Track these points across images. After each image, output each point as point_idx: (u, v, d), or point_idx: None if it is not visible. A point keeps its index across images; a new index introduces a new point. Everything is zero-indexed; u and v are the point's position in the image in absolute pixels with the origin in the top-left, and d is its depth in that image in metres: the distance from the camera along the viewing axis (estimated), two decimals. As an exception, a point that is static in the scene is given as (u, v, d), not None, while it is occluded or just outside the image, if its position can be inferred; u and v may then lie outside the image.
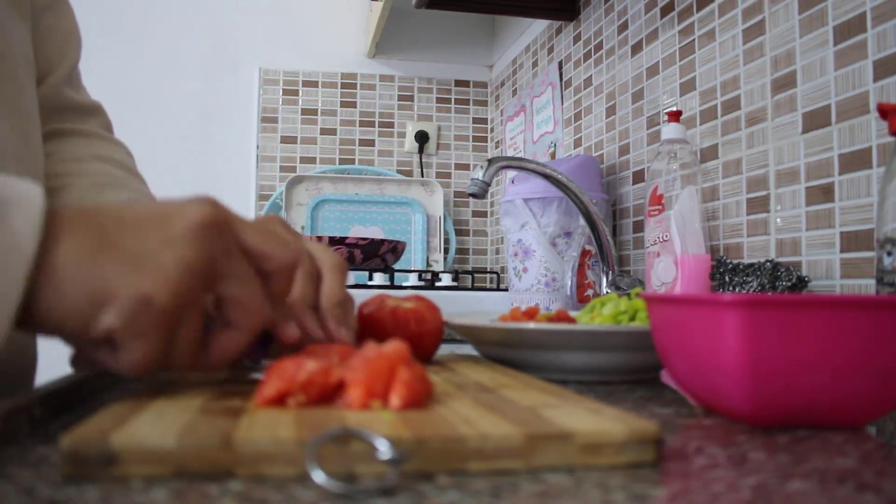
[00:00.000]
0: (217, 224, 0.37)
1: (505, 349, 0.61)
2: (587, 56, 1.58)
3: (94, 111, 0.75)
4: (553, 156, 1.74)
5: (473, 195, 1.10)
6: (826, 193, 0.86)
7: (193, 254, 0.36)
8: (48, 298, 0.34)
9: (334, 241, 1.64)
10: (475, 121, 2.29)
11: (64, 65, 0.70)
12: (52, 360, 0.70)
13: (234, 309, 0.39)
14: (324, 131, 2.20)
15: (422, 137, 2.23)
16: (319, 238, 1.64)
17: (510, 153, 2.03)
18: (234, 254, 0.38)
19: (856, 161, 0.82)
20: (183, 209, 0.37)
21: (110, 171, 0.68)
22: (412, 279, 1.74)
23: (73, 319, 0.35)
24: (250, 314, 0.39)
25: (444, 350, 0.65)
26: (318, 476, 0.26)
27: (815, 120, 0.88)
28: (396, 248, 1.71)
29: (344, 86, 2.22)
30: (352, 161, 2.21)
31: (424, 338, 0.55)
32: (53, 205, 0.36)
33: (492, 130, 2.27)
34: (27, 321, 0.35)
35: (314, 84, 2.20)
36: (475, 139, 2.29)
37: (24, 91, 0.59)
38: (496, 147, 2.21)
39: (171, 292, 0.35)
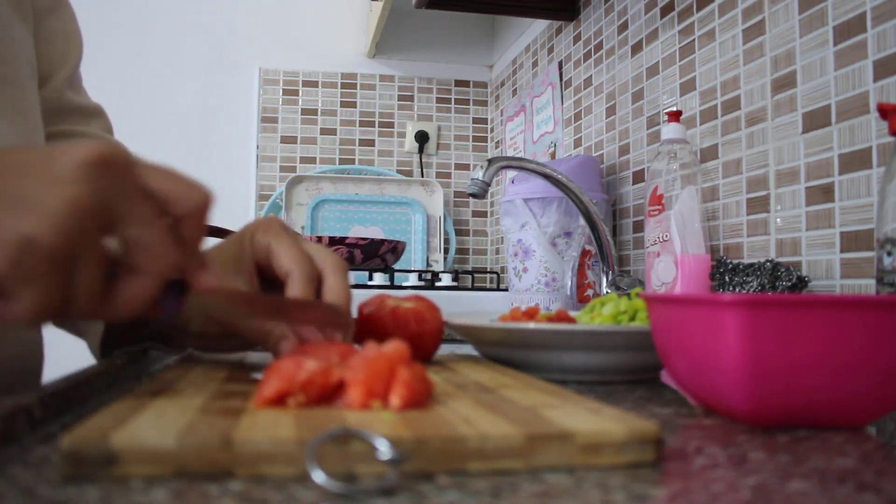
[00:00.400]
0: (108, 162, 0.35)
1: (505, 349, 0.61)
2: (587, 56, 1.58)
3: (96, 113, 0.75)
4: (553, 156, 1.74)
5: (473, 195, 1.10)
6: (826, 193, 0.86)
7: (79, 191, 0.34)
8: None
9: (334, 241, 1.64)
10: (475, 121, 2.29)
11: (66, 67, 0.70)
12: (60, 358, 0.70)
13: (137, 252, 0.37)
14: (324, 131, 2.21)
15: (422, 137, 2.23)
16: (319, 238, 1.64)
17: (510, 153, 2.03)
18: (131, 194, 0.36)
19: (856, 161, 0.82)
20: (72, 148, 0.35)
21: None
22: (412, 279, 1.74)
23: None
24: (156, 257, 0.37)
25: (444, 350, 0.65)
26: (318, 476, 0.26)
27: (815, 120, 0.88)
28: (396, 248, 1.71)
29: (344, 86, 2.22)
30: (352, 161, 2.21)
31: (424, 338, 0.56)
32: None
33: (492, 130, 2.27)
34: None
35: (314, 84, 2.20)
36: (475, 139, 2.29)
37: (26, 93, 0.59)
38: (496, 147, 2.21)
39: (55, 232, 0.33)
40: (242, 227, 0.54)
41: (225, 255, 0.53)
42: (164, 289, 0.39)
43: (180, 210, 0.38)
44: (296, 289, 0.48)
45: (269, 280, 0.53)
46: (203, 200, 0.39)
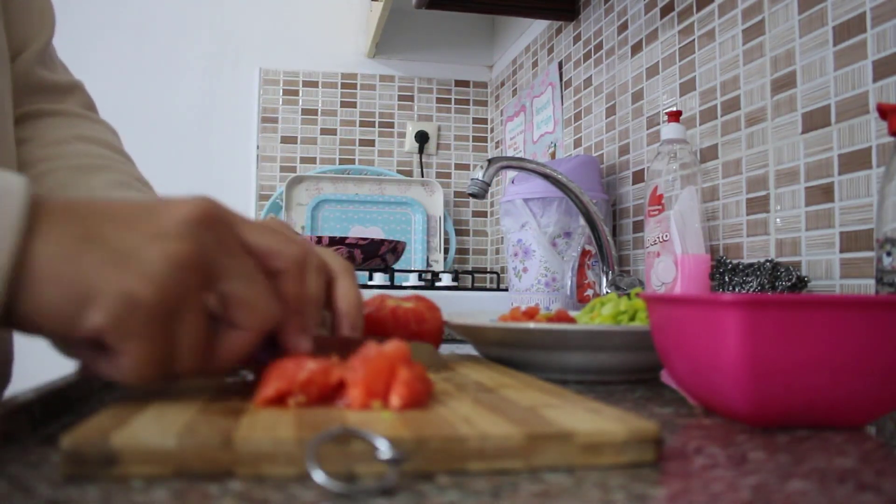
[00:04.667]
0: (210, 218, 0.36)
1: (505, 349, 0.61)
2: (587, 56, 1.58)
3: (72, 89, 0.71)
4: (553, 156, 1.74)
5: (473, 195, 1.10)
6: (826, 193, 0.86)
7: (182, 248, 0.34)
8: (27, 297, 0.33)
9: (334, 241, 1.64)
10: (475, 121, 2.29)
11: (37, 43, 0.67)
12: (32, 359, 0.69)
13: (238, 308, 0.37)
14: (324, 131, 2.21)
15: (422, 137, 2.23)
16: (319, 238, 1.64)
17: (510, 153, 2.03)
18: (233, 250, 0.37)
19: (855, 161, 0.82)
20: (174, 204, 0.36)
21: (94, 151, 0.65)
22: (412, 279, 1.74)
23: (54, 319, 0.33)
24: (256, 313, 0.37)
25: (444, 350, 0.65)
26: (319, 476, 0.26)
27: (815, 120, 0.88)
28: (396, 248, 1.71)
29: (344, 86, 2.22)
30: (352, 161, 2.21)
31: (424, 338, 0.56)
32: (38, 195, 0.34)
33: (492, 130, 2.27)
34: (7, 320, 0.33)
35: (314, 84, 2.20)
36: (475, 139, 2.29)
37: None
38: (496, 147, 2.21)
39: (157, 289, 0.33)
40: None
41: None
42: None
43: (281, 265, 0.39)
44: (310, 285, 0.47)
45: None
46: (301, 256, 0.40)
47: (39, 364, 0.66)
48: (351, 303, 0.47)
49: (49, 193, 0.59)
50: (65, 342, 0.36)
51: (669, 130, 1.04)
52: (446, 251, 2.21)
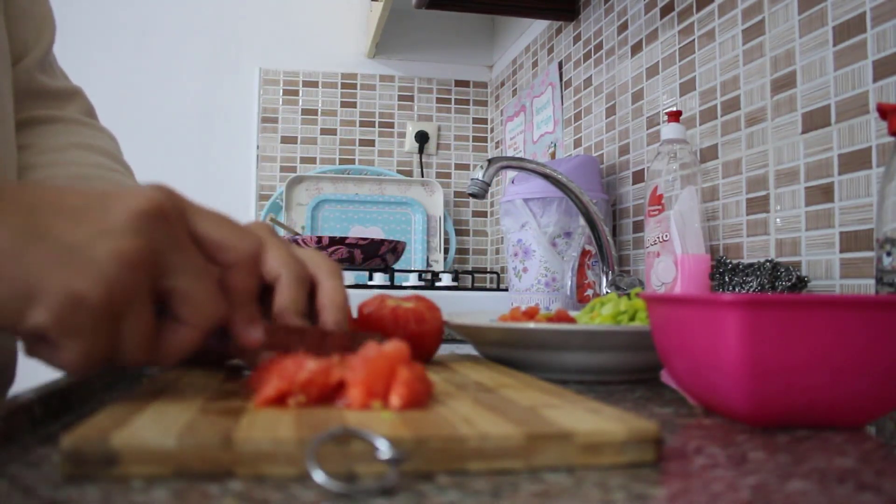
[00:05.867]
0: (161, 212, 0.35)
1: (505, 349, 0.61)
2: (587, 56, 1.58)
3: (72, 96, 0.71)
4: (553, 156, 1.74)
5: (473, 195, 1.10)
6: (826, 193, 0.86)
7: (132, 245, 0.33)
8: None
9: (334, 241, 1.64)
10: (475, 121, 2.29)
11: (37, 49, 0.67)
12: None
13: (182, 304, 0.36)
14: (324, 131, 2.21)
15: (422, 137, 2.23)
16: (319, 238, 1.64)
17: (510, 153, 2.03)
18: (182, 244, 0.36)
19: (855, 161, 0.82)
20: (126, 196, 0.35)
21: (90, 159, 0.65)
22: (412, 279, 1.74)
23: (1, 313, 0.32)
24: (200, 310, 0.36)
25: (444, 350, 0.65)
26: (319, 476, 0.26)
27: (815, 120, 0.88)
28: (396, 248, 1.71)
29: (344, 86, 2.22)
30: (352, 161, 2.21)
31: (424, 338, 0.55)
32: None
33: (492, 130, 2.27)
34: None
35: (314, 84, 2.20)
36: (475, 139, 2.29)
37: None
38: (496, 147, 2.21)
39: (105, 289, 0.33)
40: None
41: None
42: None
43: (232, 258, 0.38)
44: (284, 292, 0.47)
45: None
46: (255, 249, 0.39)
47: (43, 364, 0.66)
48: (333, 299, 0.46)
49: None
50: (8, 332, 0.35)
51: (669, 130, 1.04)
52: (446, 251, 2.21)
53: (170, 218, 0.35)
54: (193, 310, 0.36)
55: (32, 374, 0.47)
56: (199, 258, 0.37)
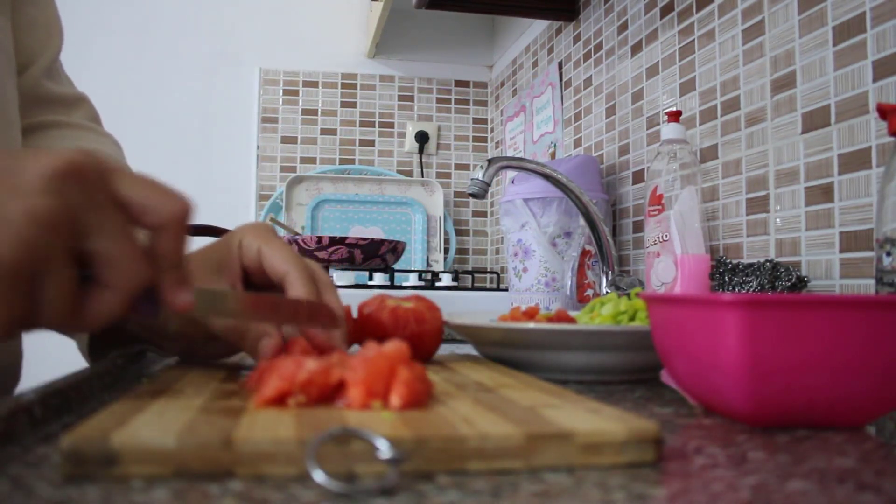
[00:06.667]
0: (77, 172, 0.33)
1: (505, 349, 0.61)
2: (587, 56, 1.58)
3: (78, 102, 0.72)
4: (553, 156, 1.74)
5: (473, 195, 1.10)
6: (825, 193, 0.86)
7: (44, 203, 0.32)
8: None
9: (334, 241, 1.64)
10: (475, 121, 2.29)
11: (44, 57, 0.67)
12: (40, 360, 0.69)
13: (104, 267, 0.35)
14: (324, 131, 2.21)
15: (422, 137, 2.23)
16: (320, 238, 1.64)
17: (510, 153, 2.03)
18: (101, 205, 0.34)
19: (855, 161, 0.82)
20: (42, 156, 0.33)
21: None
22: (412, 279, 1.74)
23: None
24: (123, 272, 0.35)
25: (444, 350, 0.65)
26: (319, 476, 0.26)
27: (815, 120, 0.88)
28: (396, 248, 1.71)
29: (344, 86, 2.22)
30: (352, 161, 2.21)
31: (424, 338, 0.56)
32: None
33: (492, 130, 2.27)
34: None
35: (314, 84, 2.20)
36: (475, 139, 2.29)
37: (2, 85, 0.58)
38: (496, 147, 2.21)
39: (17, 248, 0.32)
40: (229, 232, 0.53)
41: (209, 259, 0.51)
42: (138, 296, 0.37)
43: (157, 220, 0.37)
44: (298, 287, 0.48)
45: (256, 286, 0.52)
46: (181, 211, 0.37)
47: (47, 364, 0.66)
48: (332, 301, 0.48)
49: None
50: None
51: (669, 130, 1.04)
52: (446, 251, 2.21)
53: (88, 178, 0.34)
54: (115, 272, 0.35)
55: (37, 375, 0.48)
56: (120, 219, 0.35)
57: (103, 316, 0.36)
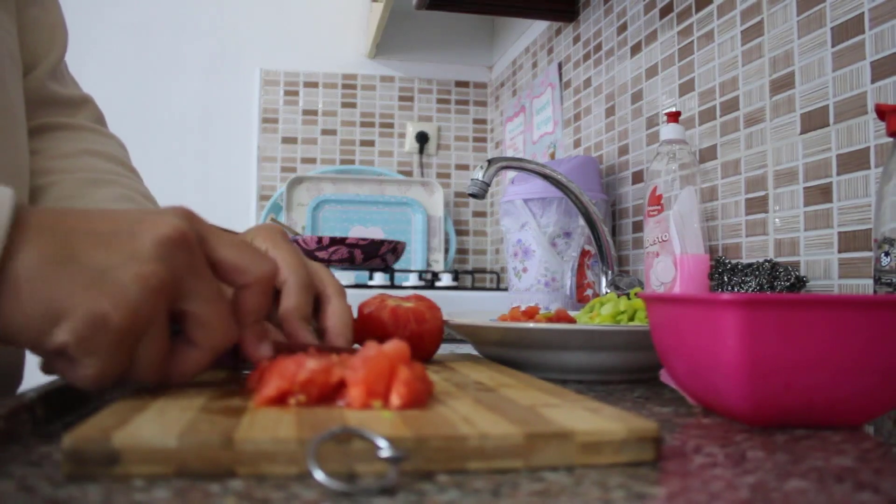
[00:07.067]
0: (185, 239, 0.37)
1: (505, 349, 0.61)
2: (587, 57, 1.58)
3: (83, 103, 0.72)
4: (553, 156, 1.74)
5: (473, 195, 1.10)
6: (824, 194, 0.86)
7: (156, 271, 0.35)
8: (3, 309, 0.34)
9: (335, 242, 1.64)
10: (475, 121, 2.30)
11: (49, 58, 0.68)
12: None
13: (196, 328, 0.38)
14: (324, 132, 2.21)
15: (422, 138, 2.23)
16: (320, 238, 1.64)
17: (510, 154, 2.03)
18: (200, 270, 0.38)
19: (854, 161, 0.82)
20: (152, 222, 0.37)
21: (100, 165, 0.66)
22: (412, 279, 1.74)
23: (27, 332, 0.34)
24: (213, 334, 0.38)
25: (444, 350, 0.65)
26: (319, 475, 0.26)
27: (814, 120, 0.88)
28: (397, 249, 1.71)
29: (344, 86, 2.22)
30: (352, 161, 2.22)
31: (424, 337, 0.56)
32: (22, 207, 0.35)
33: (492, 131, 2.28)
34: None
35: (315, 85, 2.21)
36: (475, 140, 2.29)
37: (7, 87, 0.58)
38: (496, 147, 2.22)
39: (128, 312, 0.34)
40: (242, 233, 0.53)
41: None
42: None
43: (247, 280, 0.40)
44: (291, 296, 0.48)
45: None
46: (270, 272, 0.41)
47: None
48: (344, 320, 0.49)
49: (55, 203, 0.61)
50: (32, 349, 0.37)
51: (669, 131, 1.04)
52: (446, 251, 2.21)
53: (191, 245, 0.37)
54: (207, 334, 0.38)
55: (39, 375, 0.48)
56: (215, 284, 0.39)
57: (190, 372, 0.39)
